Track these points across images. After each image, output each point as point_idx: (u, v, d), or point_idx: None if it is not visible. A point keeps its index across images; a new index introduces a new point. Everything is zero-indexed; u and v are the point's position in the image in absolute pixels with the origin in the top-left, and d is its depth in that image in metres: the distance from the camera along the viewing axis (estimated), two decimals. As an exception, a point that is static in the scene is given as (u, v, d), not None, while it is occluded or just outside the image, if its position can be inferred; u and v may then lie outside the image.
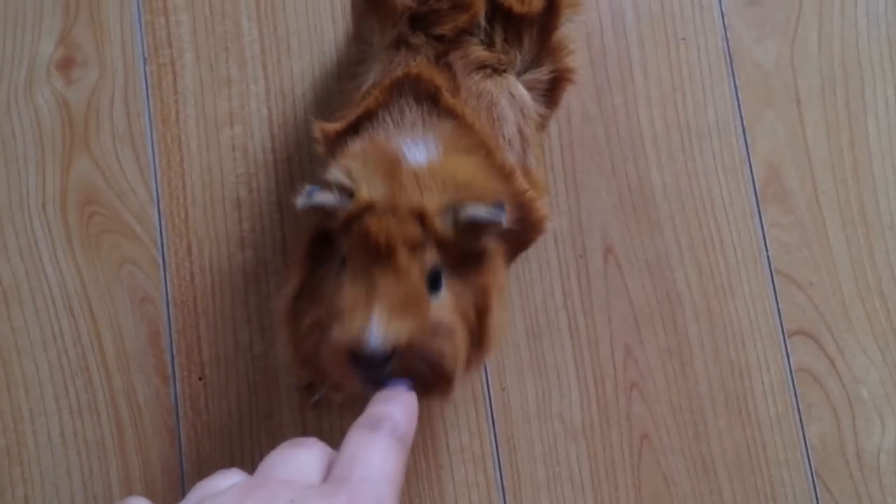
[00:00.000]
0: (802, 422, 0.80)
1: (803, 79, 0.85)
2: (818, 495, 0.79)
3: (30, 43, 0.83)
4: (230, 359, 0.79)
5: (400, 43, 0.63)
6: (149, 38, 0.84)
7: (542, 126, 0.69)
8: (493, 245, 0.57)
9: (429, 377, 0.52)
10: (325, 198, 0.53)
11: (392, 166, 0.55)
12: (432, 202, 0.53)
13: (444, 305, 0.53)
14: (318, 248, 0.56)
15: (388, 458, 0.40)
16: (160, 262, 0.81)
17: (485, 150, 0.59)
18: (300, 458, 0.40)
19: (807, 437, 0.80)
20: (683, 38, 0.85)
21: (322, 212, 0.54)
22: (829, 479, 0.79)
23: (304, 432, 0.78)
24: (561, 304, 0.81)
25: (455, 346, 0.53)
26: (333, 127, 0.63)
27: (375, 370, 0.49)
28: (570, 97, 0.83)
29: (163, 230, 0.81)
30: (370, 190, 0.53)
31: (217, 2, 0.85)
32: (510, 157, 0.61)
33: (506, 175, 0.59)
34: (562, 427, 0.79)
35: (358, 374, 0.49)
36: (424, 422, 0.79)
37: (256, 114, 0.83)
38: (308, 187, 0.54)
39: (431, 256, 0.53)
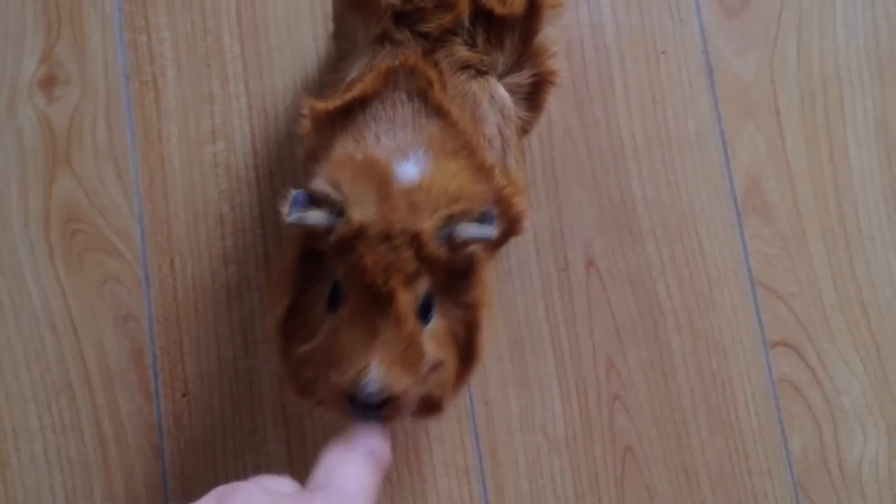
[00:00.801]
0: (785, 432, 0.80)
1: (783, 91, 0.86)
2: (801, 506, 0.79)
3: (12, 61, 0.84)
4: (214, 375, 0.79)
5: (384, 38, 0.63)
6: (131, 56, 0.84)
7: (524, 130, 0.70)
8: (479, 254, 0.57)
9: (420, 408, 0.54)
10: (315, 217, 0.52)
11: (382, 183, 0.54)
12: (426, 223, 0.52)
13: (436, 333, 0.54)
14: (307, 265, 0.56)
15: (364, 472, 0.40)
16: (143, 278, 0.81)
17: (468, 150, 0.59)
18: (274, 480, 0.40)
19: (789, 448, 0.80)
20: (663, 52, 0.86)
21: (310, 230, 0.53)
22: (811, 489, 0.80)
23: (289, 448, 0.78)
24: (543, 316, 0.81)
25: (445, 377, 0.54)
26: (324, 105, 0.62)
27: (372, 412, 0.50)
28: (552, 111, 0.84)
29: (145, 247, 0.81)
30: (361, 210, 0.52)
31: (199, 19, 0.85)
32: (490, 156, 0.61)
33: (486, 173, 0.59)
34: (545, 440, 0.79)
35: (353, 413, 0.51)
36: (408, 436, 0.79)
37: (239, 130, 0.83)
38: (294, 193, 0.53)
39: (424, 284, 0.53)
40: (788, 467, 0.80)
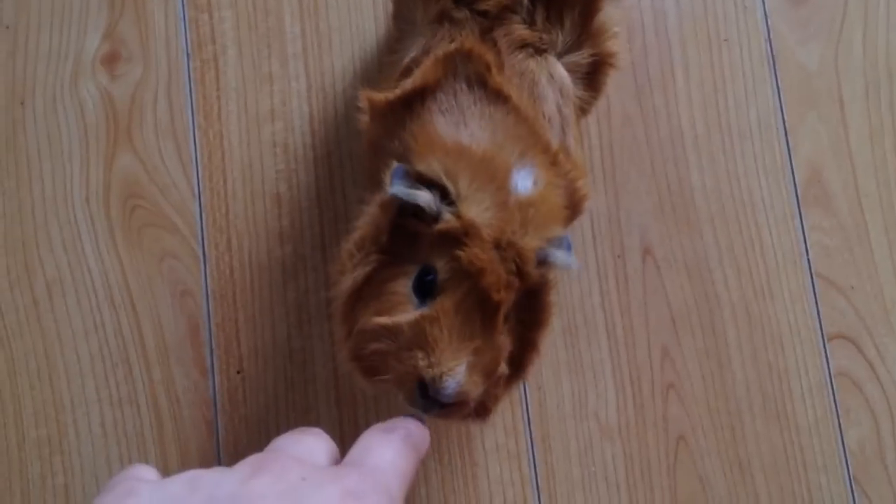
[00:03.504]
0: (841, 426, 0.80)
1: (847, 81, 0.85)
2: (856, 501, 0.78)
3: (76, 38, 0.84)
4: (268, 353, 0.80)
5: (443, 17, 0.63)
6: (192, 34, 0.85)
7: (583, 111, 0.69)
8: (552, 276, 0.57)
9: (472, 414, 0.54)
10: (425, 199, 0.52)
11: (501, 189, 0.54)
12: (533, 242, 0.53)
13: (501, 348, 0.54)
14: (395, 240, 0.55)
15: (400, 456, 0.40)
16: (200, 255, 0.81)
17: (535, 138, 0.59)
18: (308, 443, 0.40)
19: (845, 442, 0.79)
20: (726, 39, 0.85)
21: (410, 207, 0.53)
22: (867, 484, 0.79)
23: (341, 427, 0.78)
24: (598, 303, 0.81)
25: (499, 391, 0.55)
26: (383, 96, 0.62)
27: (434, 406, 0.51)
28: (611, 97, 0.83)
29: (203, 224, 0.82)
30: (477, 210, 0.52)
31: (260, -1, 0.85)
32: (553, 138, 0.61)
33: (552, 158, 0.59)
34: (597, 427, 0.79)
35: (418, 399, 0.52)
36: (460, 420, 0.79)
37: (297, 110, 0.84)
38: (396, 166, 0.53)
39: (510, 301, 0.53)
40: (844, 461, 0.79)
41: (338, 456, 0.42)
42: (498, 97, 0.60)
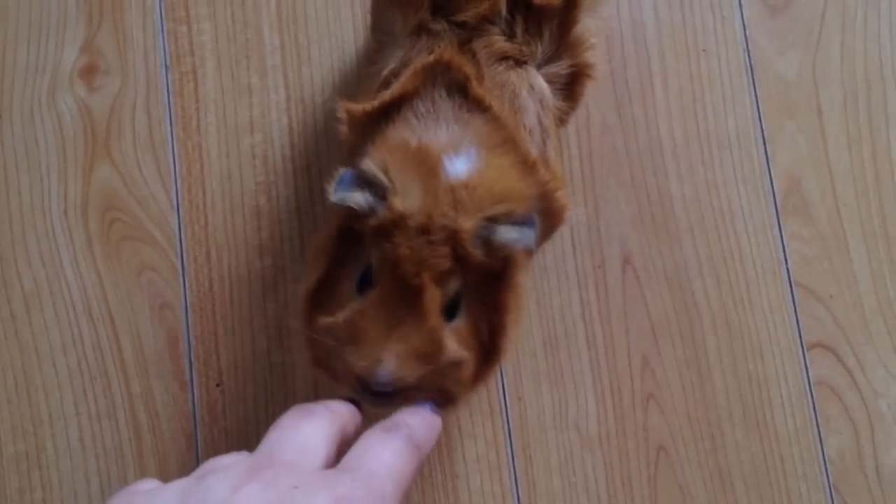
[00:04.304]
0: (821, 435, 0.80)
1: (825, 90, 0.85)
2: (836, 510, 0.79)
3: (53, 50, 0.84)
4: (248, 366, 0.80)
5: (421, 29, 0.63)
6: (171, 47, 0.84)
7: (562, 121, 0.69)
8: (517, 256, 0.57)
9: (434, 399, 0.53)
10: (356, 199, 0.53)
11: (430, 176, 0.54)
12: (467, 223, 0.52)
13: (459, 331, 0.54)
14: (344, 243, 0.56)
15: (399, 458, 0.40)
16: (179, 268, 0.81)
17: (512, 144, 0.58)
18: (305, 434, 0.40)
19: (825, 451, 0.79)
20: (704, 50, 0.85)
21: (352, 210, 0.54)
22: (847, 493, 0.79)
23: (321, 440, 0.78)
24: (578, 314, 0.81)
25: (464, 375, 0.54)
26: (361, 107, 0.62)
27: (381, 398, 0.51)
28: (590, 107, 0.83)
29: (182, 237, 0.82)
30: (404, 199, 0.53)
31: (239, 11, 0.85)
32: (533, 149, 0.61)
33: (529, 167, 0.59)
34: (578, 437, 0.79)
35: (361, 394, 0.52)
36: (440, 431, 0.79)
37: (277, 122, 0.84)
38: (342, 171, 0.54)
39: (456, 282, 0.53)
40: (824, 470, 0.79)
41: (344, 436, 0.42)
42: (478, 106, 0.59)
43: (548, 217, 0.62)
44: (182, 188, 0.82)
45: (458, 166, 0.55)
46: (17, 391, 0.79)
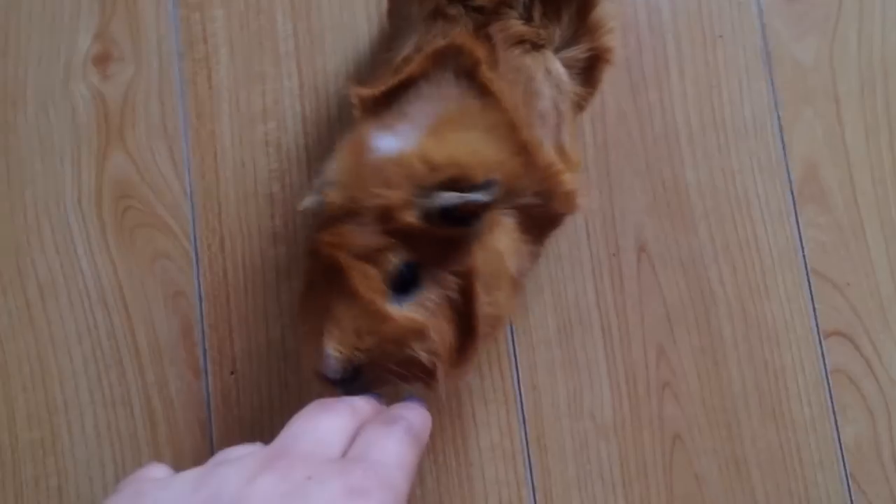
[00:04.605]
0: (837, 424, 0.79)
1: (842, 77, 0.84)
2: (853, 498, 0.78)
3: (67, 39, 0.84)
4: (262, 354, 0.80)
5: (437, 14, 0.63)
6: (184, 34, 0.84)
7: (580, 106, 0.69)
8: (493, 222, 0.56)
9: (409, 376, 0.53)
10: (306, 202, 0.55)
11: (357, 160, 0.55)
12: (396, 196, 0.52)
13: (425, 302, 0.53)
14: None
15: (403, 448, 0.40)
16: (193, 256, 0.81)
17: (509, 127, 0.58)
18: (323, 427, 0.40)
19: (842, 439, 0.79)
20: (721, 36, 0.84)
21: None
22: (864, 481, 0.78)
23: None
24: (593, 302, 0.81)
25: (438, 345, 0.53)
26: (370, 92, 0.62)
27: (347, 387, 0.51)
28: (605, 94, 0.83)
29: (196, 225, 0.81)
30: (337, 190, 0.53)
31: (252, -3, 0.85)
32: (540, 133, 0.60)
33: (530, 150, 0.58)
34: (593, 426, 0.79)
35: (339, 390, 0.52)
36: (455, 419, 0.78)
37: (290, 110, 0.83)
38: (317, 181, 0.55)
39: (397, 256, 0.52)
40: (841, 458, 0.79)
41: (365, 418, 0.42)
42: (484, 92, 0.59)
43: (553, 202, 0.61)
44: (195, 176, 0.82)
45: (388, 143, 0.55)
46: (32, 379, 0.79)
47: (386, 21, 0.76)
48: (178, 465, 0.77)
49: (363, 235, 0.52)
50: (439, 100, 0.59)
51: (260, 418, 0.79)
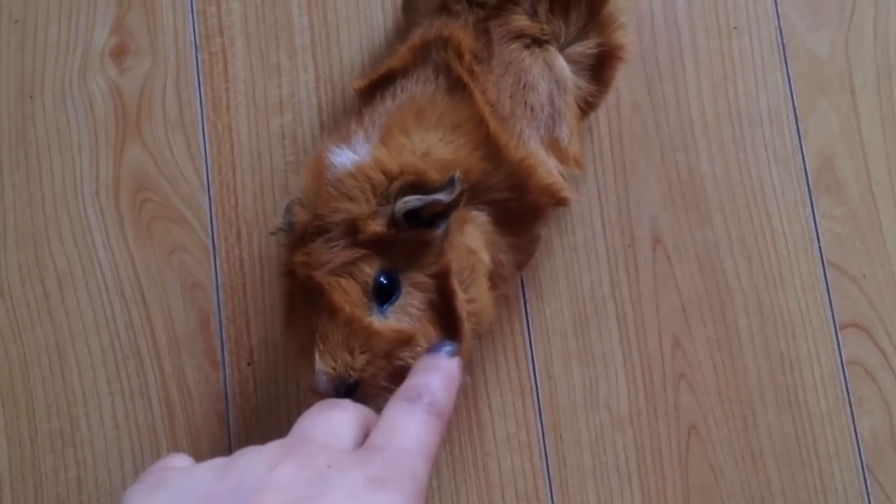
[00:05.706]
0: (853, 415, 0.79)
1: (858, 68, 0.84)
2: (869, 489, 0.78)
3: (84, 31, 0.84)
4: (278, 345, 0.80)
5: (443, 9, 0.63)
6: (200, 27, 0.85)
7: (590, 105, 0.68)
8: (462, 219, 0.56)
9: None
10: (280, 225, 0.56)
11: (318, 177, 0.55)
12: (359, 209, 0.52)
13: (406, 307, 0.53)
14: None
15: (425, 431, 0.40)
16: (210, 248, 0.81)
17: (476, 122, 0.58)
18: (335, 421, 0.40)
19: (858, 431, 0.79)
20: (736, 27, 0.84)
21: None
22: (880, 473, 0.78)
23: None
24: (609, 293, 0.81)
25: (417, 352, 0.53)
26: (359, 83, 0.63)
27: (340, 396, 0.51)
28: (620, 86, 0.83)
29: (213, 217, 0.82)
30: (303, 210, 0.55)
31: (268, -10, 0.85)
32: (527, 126, 0.60)
33: (499, 145, 0.58)
34: (609, 417, 0.79)
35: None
36: (471, 410, 0.79)
37: (306, 102, 0.84)
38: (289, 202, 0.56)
39: (372, 266, 0.52)
40: (857, 450, 0.79)
41: (370, 421, 0.42)
42: (458, 86, 0.59)
43: (527, 195, 0.60)
44: (212, 168, 0.83)
45: (344, 157, 0.55)
46: (51, 370, 0.80)
47: (401, 15, 0.77)
48: (197, 456, 0.77)
49: (335, 251, 0.52)
50: (409, 98, 0.59)
51: (277, 409, 0.79)
